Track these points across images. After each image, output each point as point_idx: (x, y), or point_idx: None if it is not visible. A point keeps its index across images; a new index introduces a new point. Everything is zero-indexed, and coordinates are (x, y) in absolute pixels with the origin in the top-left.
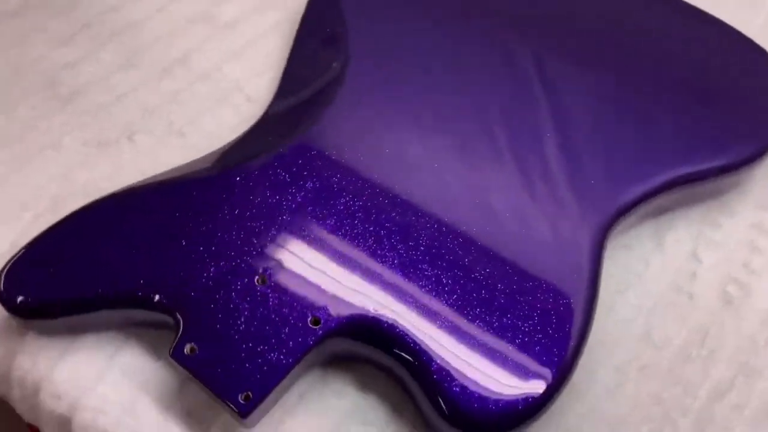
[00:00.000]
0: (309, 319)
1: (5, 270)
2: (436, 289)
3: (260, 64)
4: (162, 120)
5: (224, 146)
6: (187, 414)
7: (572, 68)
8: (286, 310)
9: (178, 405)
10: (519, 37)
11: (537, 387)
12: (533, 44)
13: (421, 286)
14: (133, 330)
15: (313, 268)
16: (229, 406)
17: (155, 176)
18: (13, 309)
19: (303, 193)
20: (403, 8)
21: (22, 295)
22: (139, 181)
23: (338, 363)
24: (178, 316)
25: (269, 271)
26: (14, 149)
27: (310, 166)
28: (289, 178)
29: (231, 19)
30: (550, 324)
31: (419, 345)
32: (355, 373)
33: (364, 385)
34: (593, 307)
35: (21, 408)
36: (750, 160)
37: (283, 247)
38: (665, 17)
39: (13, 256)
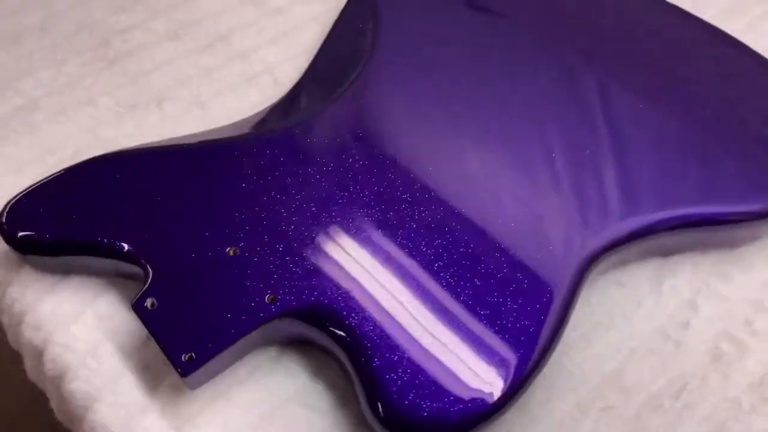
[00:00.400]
0: (267, 297)
1: (9, 206)
2: (399, 289)
3: (295, 51)
4: (191, 91)
5: (238, 121)
6: (145, 366)
7: (611, 85)
8: (248, 283)
9: (138, 356)
10: (553, 40)
11: (478, 403)
12: (568, 47)
13: (385, 284)
14: (119, 280)
15: (284, 248)
16: (172, 363)
17: (168, 140)
18: (12, 242)
19: (293, 177)
20: (445, 13)
21: (22, 230)
22: (150, 143)
23: (297, 345)
24: (149, 270)
25: (242, 244)
26: (56, 99)
27: (306, 151)
28: (282, 158)
29: (279, 6)
30: (504, 344)
31: (367, 340)
32: (310, 358)
33: (318, 370)
34: (557, 336)
35: (9, 334)
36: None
37: (260, 223)
38: (721, 55)
39: (18, 194)
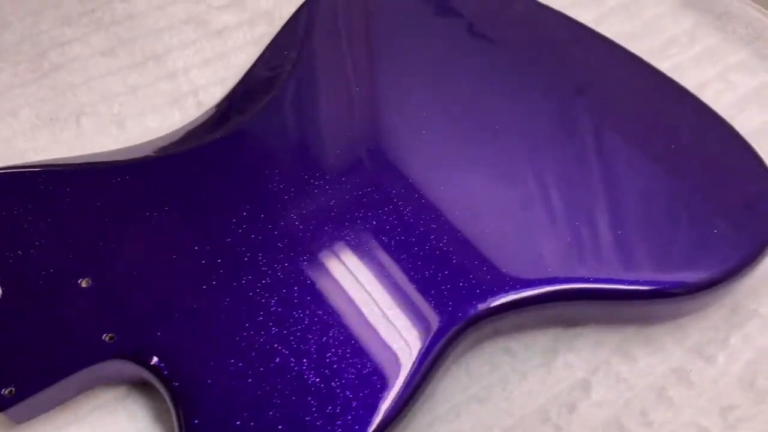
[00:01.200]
0: (106, 335)
1: None
2: (245, 347)
3: (226, 74)
4: (112, 108)
5: (147, 141)
6: None
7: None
8: (90, 319)
9: None
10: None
11: None
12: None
13: (233, 340)
14: None
15: (135, 285)
16: None
17: (68, 158)
18: None
19: (159, 212)
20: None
21: None
22: (51, 159)
23: (144, 386)
24: None
25: (96, 275)
26: None
27: (178, 182)
28: (153, 188)
29: (222, 27)
30: (348, 403)
31: (192, 396)
32: (155, 401)
33: (160, 414)
34: (408, 404)
35: None
36: (681, 291)
37: (119, 255)
38: (679, 112)
39: None
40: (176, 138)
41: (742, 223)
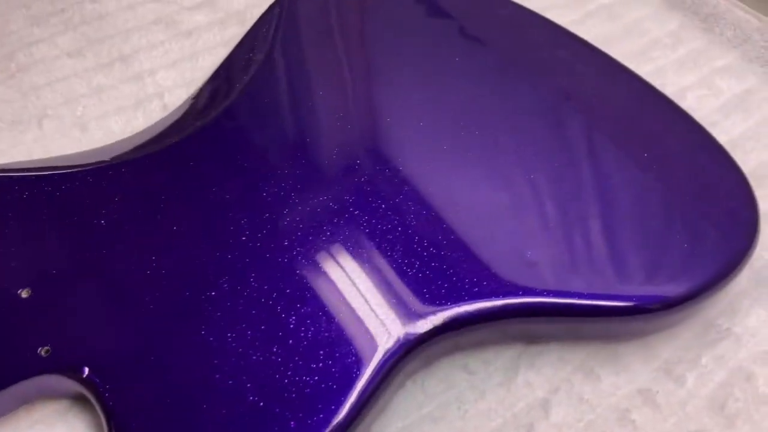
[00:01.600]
0: (42, 349)
1: None
2: (183, 368)
3: (193, 76)
4: (75, 110)
5: (104, 146)
6: None
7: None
8: (27, 332)
9: None
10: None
11: None
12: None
13: (173, 359)
14: None
15: (75, 297)
16: None
17: (24, 162)
18: None
19: (105, 220)
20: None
21: None
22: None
23: (86, 400)
24: None
25: (37, 286)
26: None
27: (122, 192)
28: (96, 198)
29: (192, 27)
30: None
31: (123, 418)
32: (98, 416)
33: (101, 429)
34: (352, 426)
35: None
36: (638, 310)
37: (62, 265)
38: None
39: None
40: (132, 144)
41: (718, 235)
